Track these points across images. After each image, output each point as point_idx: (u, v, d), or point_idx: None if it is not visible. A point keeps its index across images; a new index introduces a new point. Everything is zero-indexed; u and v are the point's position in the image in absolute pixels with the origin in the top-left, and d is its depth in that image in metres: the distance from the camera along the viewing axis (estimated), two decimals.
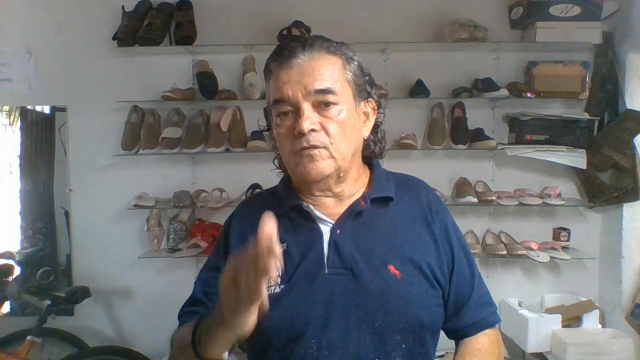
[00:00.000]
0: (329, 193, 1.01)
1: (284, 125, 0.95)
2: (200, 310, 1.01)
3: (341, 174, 0.98)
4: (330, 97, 0.93)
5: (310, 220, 0.99)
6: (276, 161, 1.10)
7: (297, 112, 0.93)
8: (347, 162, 0.97)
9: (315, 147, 0.92)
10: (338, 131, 0.94)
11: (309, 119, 0.91)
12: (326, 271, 0.94)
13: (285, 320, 0.92)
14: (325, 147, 0.93)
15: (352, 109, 0.97)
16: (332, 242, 0.96)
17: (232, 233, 1.05)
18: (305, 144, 0.92)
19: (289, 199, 1.02)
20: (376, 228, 0.99)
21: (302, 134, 0.91)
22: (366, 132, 1.03)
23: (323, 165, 0.93)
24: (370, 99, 1.02)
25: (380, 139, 1.08)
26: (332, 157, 0.94)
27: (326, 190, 1.00)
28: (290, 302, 0.93)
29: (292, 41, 0.97)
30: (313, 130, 0.91)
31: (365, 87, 1.00)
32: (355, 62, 0.99)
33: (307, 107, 0.92)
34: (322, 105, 0.93)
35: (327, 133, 0.93)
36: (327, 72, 0.93)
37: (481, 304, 1.05)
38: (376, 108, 1.04)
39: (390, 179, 1.06)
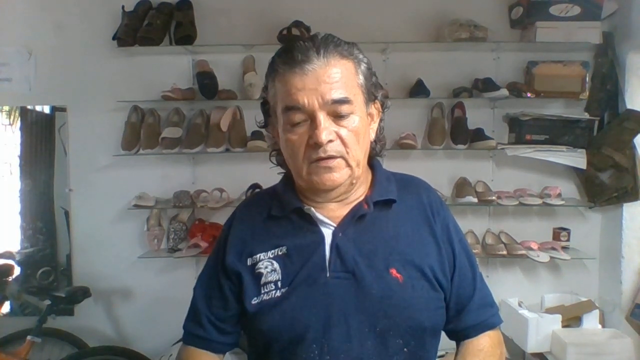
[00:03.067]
0: (335, 199, 0.99)
1: (297, 132, 0.92)
2: (207, 334, 1.02)
3: (354, 181, 0.97)
4: (346, 108, 0.90)
5: (312, 223, 0.98)
6: (274, 158, 1.07)
7: (312, 121, 0.90)
8: (361, 168, 0.96)
9: (332, 157, 0.90)
10: (353, 139, 0.92)
11: (326, 129, 0.89)
12: (328, 275, 0.93)
13: (285, 324, 0.92)
14: (341, 157, 0.91)
15: (364, 115, 0.95)
16: (334, 245, 0.95)
17: (231, 236, 1.04)
18: (322, 155, 0.90)
19: (290, 201, 1.00)
20: (378, 231, 0.98)
21: (319, 145, 0.89)
22: (372, 134, 1.01)
23: (339, 175, 0.92)
24: (376, 100, 1.00)
25: (381, 138, 1.06)
26: (349, 165, 0.93)
27: (334, 198, 0.99)
28: (291, 306, 0.92)
29: (302, 41, 0.92)
30: (330, 140, 0.90)
31: (372, 89, 0.98)
32: (365, 64, 0.97)
33: (323, 117, 0.89)
34: (337, 115, 0.91)
35: (342, 142, 0.91)
36: (343, 79, 0.91)
37: (483, 305, 1.04)
38: (380, 109, 1.03)
39: (392, 180, 1.05)
